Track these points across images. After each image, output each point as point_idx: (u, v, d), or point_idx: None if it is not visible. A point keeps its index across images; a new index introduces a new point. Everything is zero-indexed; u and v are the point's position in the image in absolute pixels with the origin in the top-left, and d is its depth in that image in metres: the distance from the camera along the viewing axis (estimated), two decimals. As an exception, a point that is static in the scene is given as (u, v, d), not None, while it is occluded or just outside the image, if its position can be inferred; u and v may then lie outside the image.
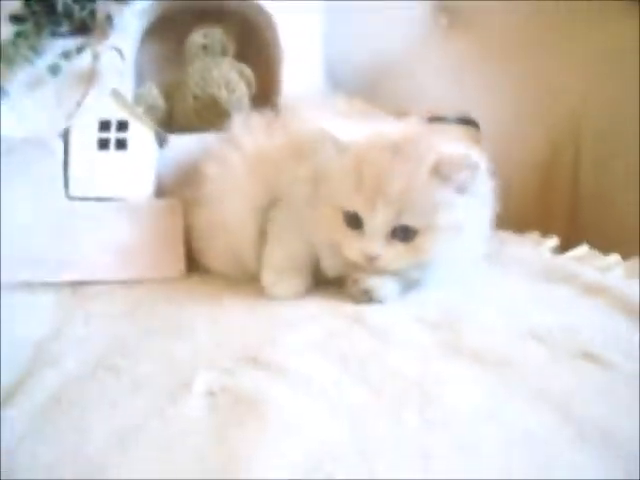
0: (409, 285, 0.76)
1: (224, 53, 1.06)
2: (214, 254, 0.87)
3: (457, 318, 0.68)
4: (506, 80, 1.10)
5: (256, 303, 0.76)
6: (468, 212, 0.72)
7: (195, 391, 0.55)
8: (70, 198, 0.88)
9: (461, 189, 0.71)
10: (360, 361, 0.59)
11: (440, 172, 0.70)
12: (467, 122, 1.01)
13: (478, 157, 0.72)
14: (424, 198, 0.70)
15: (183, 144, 0.95)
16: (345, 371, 0.58)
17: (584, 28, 1.07)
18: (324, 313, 0.71)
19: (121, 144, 0.89)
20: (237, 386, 0.56)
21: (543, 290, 0.77)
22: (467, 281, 0.77)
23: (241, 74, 1.04)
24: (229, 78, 1.01)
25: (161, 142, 0.92)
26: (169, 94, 1.05)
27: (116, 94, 0.90)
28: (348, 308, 0.72)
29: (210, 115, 1.02)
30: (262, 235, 0.82)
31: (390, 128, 0.76)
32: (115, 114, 0.90)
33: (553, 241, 0.92)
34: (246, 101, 1.03)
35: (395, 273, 0.74)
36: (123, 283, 0.87)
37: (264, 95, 1.04)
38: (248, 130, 0.88)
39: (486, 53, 1.12)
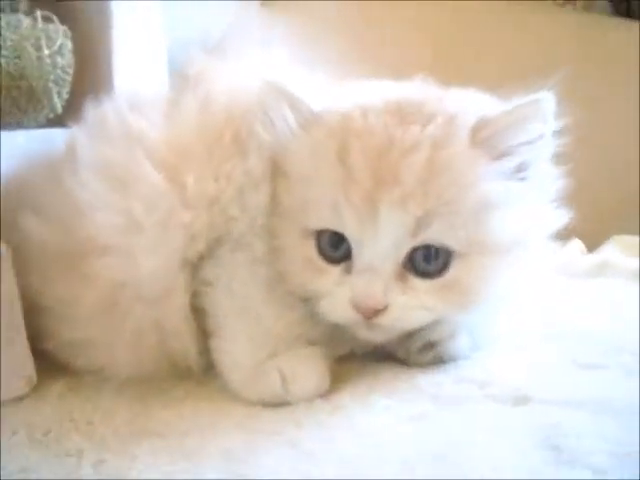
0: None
1: (14, 8, 0.66)
2: (117, 343, 0.48)
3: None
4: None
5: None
6: (532, 210, 0.45)
7: None
8: None
9: (523, 168, 0.44)
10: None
11: (487, 139, 0.43)
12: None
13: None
14: (465, 189, 0.42)
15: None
16: None
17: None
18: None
19: None
20: None
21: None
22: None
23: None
24: (48, 34, 0.62)
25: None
26: None
27: None
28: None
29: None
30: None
31: (380, 89, 0.48)
32: None
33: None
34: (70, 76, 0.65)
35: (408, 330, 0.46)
36: None
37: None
38: (137, 112, 0.50)
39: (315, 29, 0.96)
